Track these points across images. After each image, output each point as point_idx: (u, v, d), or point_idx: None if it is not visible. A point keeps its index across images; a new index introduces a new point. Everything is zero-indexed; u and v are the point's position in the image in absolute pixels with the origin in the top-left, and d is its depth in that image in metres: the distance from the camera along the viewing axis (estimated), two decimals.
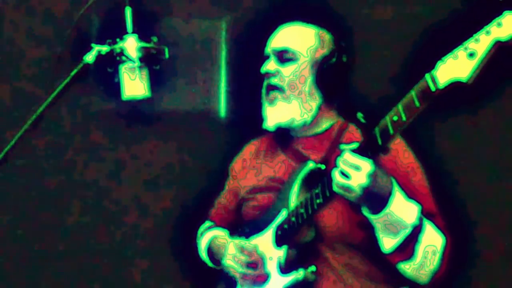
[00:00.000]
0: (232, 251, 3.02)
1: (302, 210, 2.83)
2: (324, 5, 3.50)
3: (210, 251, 3.31)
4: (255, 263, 2.98)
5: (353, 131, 2.97)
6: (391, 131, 2.48)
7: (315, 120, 3.05)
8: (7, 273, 4.00)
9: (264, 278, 2.97)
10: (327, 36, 3.11)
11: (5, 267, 4.00)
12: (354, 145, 2.58)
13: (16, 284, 4.01)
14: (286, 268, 2.90)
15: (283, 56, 3.07)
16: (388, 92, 3.27)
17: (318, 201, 2.75)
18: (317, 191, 2.76)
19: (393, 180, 2.65)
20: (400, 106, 2.46)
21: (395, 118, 2.47)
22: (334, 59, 3.04)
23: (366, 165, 2.53)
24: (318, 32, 3.11)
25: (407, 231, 2.66)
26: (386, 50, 3.49)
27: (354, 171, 2.53)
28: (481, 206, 3.37)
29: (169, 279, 4.00)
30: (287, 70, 3.05)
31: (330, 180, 2.65)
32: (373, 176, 2.53)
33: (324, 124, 3.08)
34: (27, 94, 3.87)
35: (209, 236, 3.34)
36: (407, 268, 2.74)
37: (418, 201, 2.71)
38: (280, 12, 3.54)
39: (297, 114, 3.02)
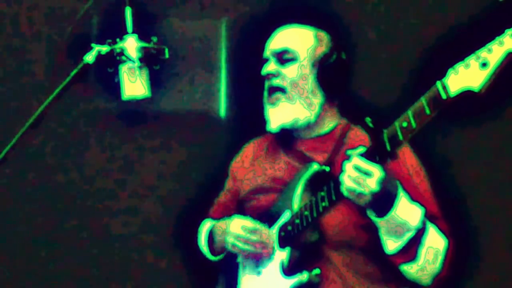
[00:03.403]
0: (237, 221, 3.00)
1: (306, 213, 2.84)
2: (325, 8, 3.51)
3: (211, 238, 3.28)
4: (261, 232, 2.95)
5: (357, 133, 2.97)
6: (400, 137, 2.50)
7: (318, 120, 3.05)
8: (8, 272, 4.00)
9: (267, 253, 2.96)
10: (325, 36, 3.12)
11: (6, 267, 4.00)
12: (361, 150, 2.60)
13: (17, 283, 4.01)
14: (289, 270, 2.90)
15: (283, 57, 3.07)
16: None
17: (323, 204, 2.76)
18: (322, 194, 2.76)
19: (398, 183, 2.67)
20: (410, 113, 2.47)
21: (405, 124, 2.48)
22: (334, 57, 3.05)
23: (377, 171, 2.54)
24: (316, 32, 3.11)
25: (411, 233, 2.69)
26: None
27: (365, 177, 2.55)
28: (484, 210, 3.40)
29: (170, 277, 4.00)
30: (289, 70, 3.05)
31: (336, 183, 2.67)
32: (383, 182, 2.55)
33: (328, 125, 3.09)
34: (27, 94, 3.86)
35: (209, 225, 3.33)
36: (409, 269, 2.76)
37: (421, 204, 2.73)
38: (278, 13, 3.53)
39: (300, 113, 3.02)
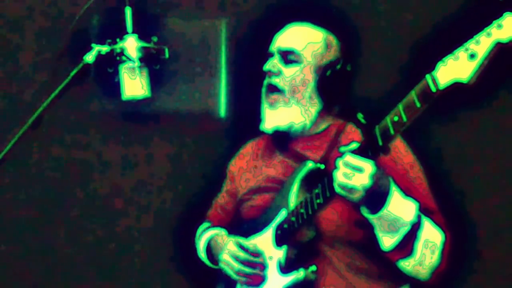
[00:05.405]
0: (231, 247, 3.02)
1: (302, 210, 2.84)
2: (327, 6, 3.50)
3: (209, 249, 3.30)
4: (254, 263, 2.98)
5: (352, 131, 2.96)
6: (392, 132, 2.49)
7: (314, 124, 3.06)
8: (8, 272, 4.01)
9: (260, 280, 2.98)
10: (334, 42, 3.10)
11: (6, 267, 4.02)
12: (354, 146, 2.60)
13: (17, 282, 4.02)
14: (286, 267, 2.90)
15: (288, 57, 3.05)
16: (388, 92, 3.28)
17: (318, 201, 2.76)
18: (317, 191, 2.76)
19: (391, 179, 2.66)
20: (400, 107, 2.47)
21: (396, 118, 2.47)
22: (338, 66, 3.03)
23: (368, 166, 2.54)
24: (326, 37, 3.10)
25: (406, 228, 2.68)
26: (386, 50, 3.50)
27: (356, 173, 2.54)
28: (481, 203, 3.38)
29: (168, 279, 4.00)
30: (290, 72, 3.04)
31: (330, 180, 2.66)
32: (375, 176, 2.54)
33: (323, 125, 3.08)
34: (27, 94, 3.88)
35: (208, 235, 3.34)
36: (407, 265, 2.75)
37: (416, 198, 2.73)
38: (282, 12, 3.53)
39: (296, 118, 3.02)
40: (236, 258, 3.00)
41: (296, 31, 3.13)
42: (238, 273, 3.00)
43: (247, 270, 2.98)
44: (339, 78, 3.03)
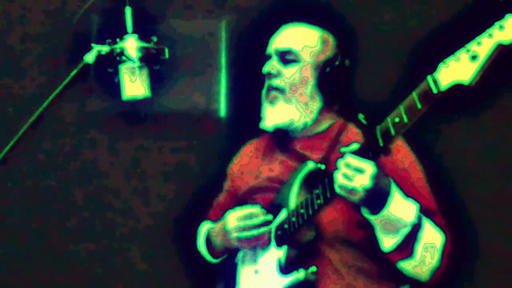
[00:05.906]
0: (231, 218, 3.04)
1: (302, 211, 2.84)
2: (326, 6, 3.49)
3: (208, 239, 3.28)
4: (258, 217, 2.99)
5: (353, 131, 2.96)
6: (393, 133, 2.50)
7: (315, 123, 3.06)
8: (9, 274, 4.01)
9: (267, 241, 2.99)
10: (330, 40, 3.11)
11: (7, 267, 4.01)
12: (355, 146, 2.60)
13: (18, 284, 4.02)
14: (286, 268, 2.90)
15: (286, 57, 3.06)
16: (389, 93, 3.28)
17: (318, 201, 2.77)
18: (317, 191, 2.76)
19: (391, 180, 2.67)
20: (401, 108, 2.47)
21: (397, 119, 2.48)
22: (336, 63, 3.04)
23: (369, 167, 2.54)
24: (322, 35, 3.10)
25: (406, 229, 2.68)
26: (387, 51, 3.49)
27: (357, 174, 2.54)
28: (481, 204, 3.38)
29: (169, 279, 3.99)
30: (289, 72, 3.04)
31: (331, 181, 2.67)
32: (376, 177, 2.54)
33: (323, 125, 3.09)
34: (27, 94, 3.88)
35: (207, 226, 3.34)
36: (407, 266, 2.76)
37: (417, 199, 2.73)
38: (282, 12, 3.52)
39: (297, 116, 3.02)
40: (239, 218, 3.01)
41: (292, 31, 3.14)
42: (247, 228, 2.99)
43: (255, 221, 2.98)
44: (339, 74, 3.04)
